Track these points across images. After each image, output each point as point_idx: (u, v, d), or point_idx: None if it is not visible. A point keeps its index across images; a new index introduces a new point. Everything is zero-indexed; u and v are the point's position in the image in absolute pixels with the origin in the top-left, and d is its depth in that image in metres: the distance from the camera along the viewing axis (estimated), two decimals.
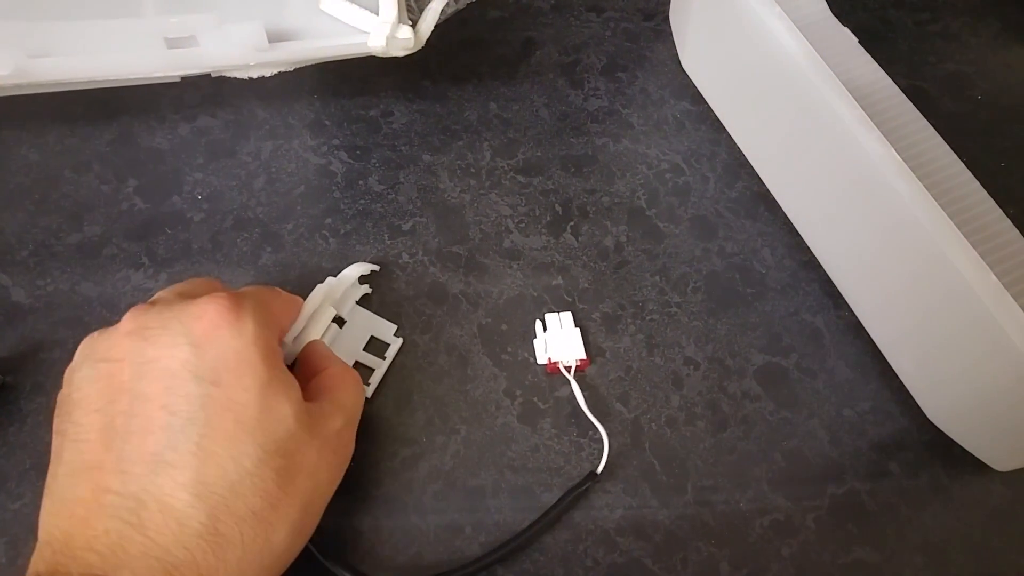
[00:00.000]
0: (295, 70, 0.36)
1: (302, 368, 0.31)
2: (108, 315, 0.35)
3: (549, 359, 0.35)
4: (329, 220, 0.38)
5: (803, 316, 0.37)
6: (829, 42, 0.43)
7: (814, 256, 0.38)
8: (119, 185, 0.39)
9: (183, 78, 0.34)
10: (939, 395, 0.34)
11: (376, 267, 0.36)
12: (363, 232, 0.38)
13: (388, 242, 0.38)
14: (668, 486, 0.33)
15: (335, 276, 0.35)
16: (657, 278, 0.38)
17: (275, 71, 0.34)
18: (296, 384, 0.27)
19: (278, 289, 0.32)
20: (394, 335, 0.35)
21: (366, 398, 0.34)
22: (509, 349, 0.36)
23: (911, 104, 0.41)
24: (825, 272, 0.38)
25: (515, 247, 0.38)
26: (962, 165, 0.39)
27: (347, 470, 0.32)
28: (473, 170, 0.40)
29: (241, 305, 0.26)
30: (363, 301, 0.36)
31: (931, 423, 0.34)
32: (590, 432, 0.34)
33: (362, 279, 0.36)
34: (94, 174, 0.39)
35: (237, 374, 0.25)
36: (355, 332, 0.35)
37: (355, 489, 0.32)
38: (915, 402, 0.35)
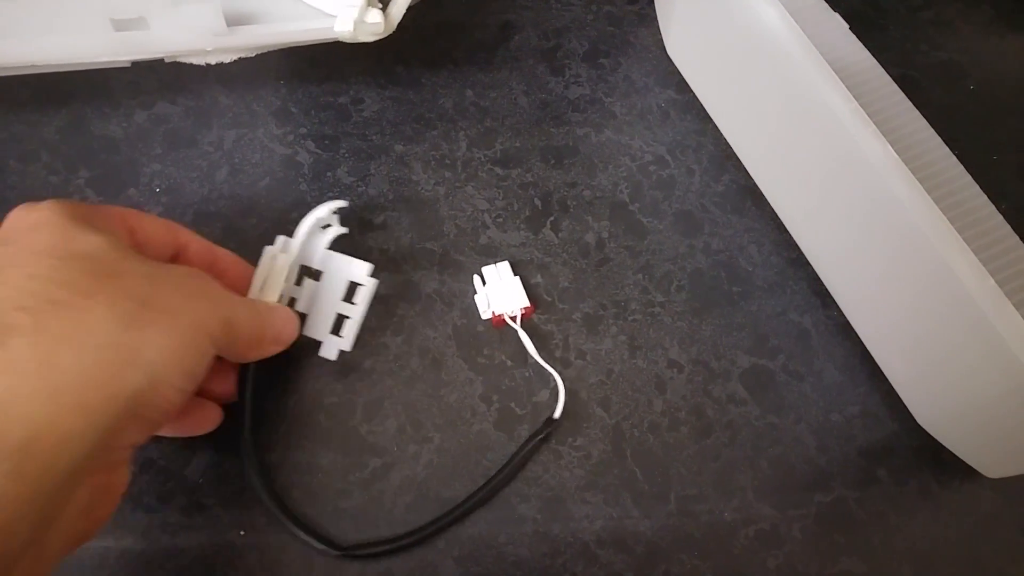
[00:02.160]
0: (257, 55, 0.34)
1: None
2: None
3: (493, 313, 0.34)
4: (295, 214, 0.36)
5: (790, 316, 0.36)
6: (819, 28, 0.41)
7: (802, 253, 0.37)
8: (69, 176, 0.36)
9: (134, 63, 0.31)
10: (931, 400, 0.33)
11: (344, 203, 0.32)
12: None
13: (358, 238, 0.36)
14: (650, 495, 0.32)
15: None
16: (640, 276, 0.36)
17: (235, 57, 0.32)
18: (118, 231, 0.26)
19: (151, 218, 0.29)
20: (369, 275, 0.32)
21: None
22: (485, 352, 0.34)
23: (903, 95, 0.40)
24: (813, 270, 0.37)
25: (492, 243, 0.36)
26: (955, 159, 0.38)
27: (314, 482, 0.31)
28: (448, 161, 0.38)
29: (39, 202, 0.25)
30: (339, 243, 0.33)
31: (921, 428, 0.33)
32: (569, 439, 0.33)
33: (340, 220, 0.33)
34: (42, 164, 0.36)
35: (31, 231, 0.24)
36: (332, 282, 0.32)
37: (323, 501, 0.31)
38: (904, 406, 0.34)
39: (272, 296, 0.30)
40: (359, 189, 0.37)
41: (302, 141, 0.38)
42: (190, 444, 0.31)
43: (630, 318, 0.35)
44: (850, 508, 0.32)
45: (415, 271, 0.35)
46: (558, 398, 0.32)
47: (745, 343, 0.35)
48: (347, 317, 0.32)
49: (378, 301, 0.35)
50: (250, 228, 0.36)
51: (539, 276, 0.36)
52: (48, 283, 0.23)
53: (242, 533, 0.30)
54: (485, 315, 0.34)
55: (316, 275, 0.32)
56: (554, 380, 0.33)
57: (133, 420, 0.23)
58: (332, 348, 0.32)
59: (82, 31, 0.28)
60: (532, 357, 0.33)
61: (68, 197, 0.35)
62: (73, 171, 0.36)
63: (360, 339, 0.34)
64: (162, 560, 0.30)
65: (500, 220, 0.37)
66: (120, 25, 0.28)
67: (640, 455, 0.33)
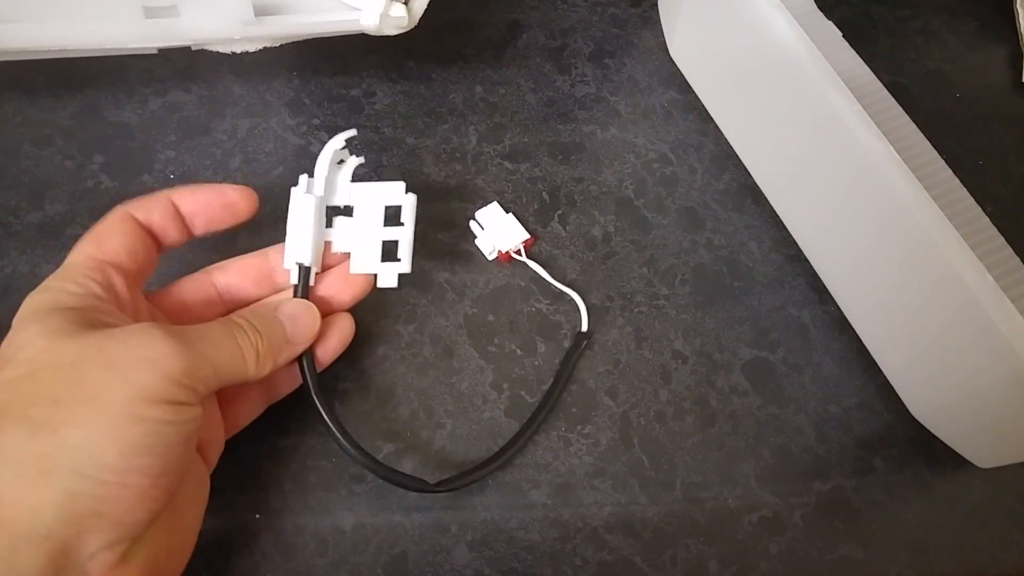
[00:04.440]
0: (280, 46, 0.34)
1: None
2: None
3: (498, 251, 0.36)
4: None
5: (789, 311, 0.37)
6: (815, 35, 0.42)
7: (800, 250, 0.38)
8: (84, 161, 0.36)
9: (160, 50, 0.32)
10: (924, 392, 0.34)
11: (353, 132, 0.32)
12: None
13: None
14: (657, 482, 0.33)
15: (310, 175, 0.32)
16: (645, 270, 0.37)
17: (260, 46, 0.32)
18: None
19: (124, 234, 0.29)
20: (405, 192, 0.32)
21: (405, 273, 0.32)
22: (496, 340, 0.35)
23: (894, 100, 0.41)
24: (811, 266, 0.38)
25: None
26: (943, 163, 0.40)
27: (329, 466, 0.31)
28: (459, 155, 0.39)
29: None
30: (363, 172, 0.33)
31: (914, 419, 0.35)
32: (578, 427, 0.33)
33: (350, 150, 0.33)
34: (56, 149, 0.36)
35: None
36: (368, 212, 0.32)
37: (337, 487, 0.31)
38: (899, 398, 0.35)
39: (307, 238, 0.30)
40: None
41: (315, 132, 0.38)
42: None
43: (636, 310, 0.36)
44: (848, 496, 0.33)
45: (427, 261, 0.36)
46: (581, 315, 0.35)
47: (746, 336, 0.36)
48: (397, 240, 0.32)
49: (390, 290, 0.35)
50: (263, 216, 0.36)
51: (548, 268, 0.37)
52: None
53: (257, 516, 0.31)
54: (491, 255, 0.36)
55: (348, 213, 0.32)
56: (574, 300, 0.35)
57: (92, 522, 0.22)
58: (390, 275, 0.32)
59: (113, 17, 0.28)
60: (550, 283, 0.35)
61: (83, 182, 0.36)
62: (88, 156, 0.36)
63: (372, 326, 0.34)
64: None
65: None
66: (151, 12, 0.29)
67: (647, 443, 0.33)
